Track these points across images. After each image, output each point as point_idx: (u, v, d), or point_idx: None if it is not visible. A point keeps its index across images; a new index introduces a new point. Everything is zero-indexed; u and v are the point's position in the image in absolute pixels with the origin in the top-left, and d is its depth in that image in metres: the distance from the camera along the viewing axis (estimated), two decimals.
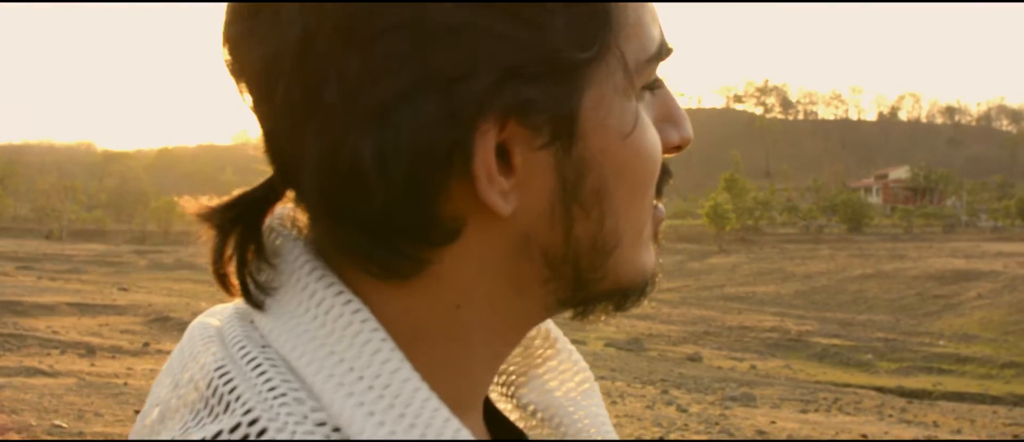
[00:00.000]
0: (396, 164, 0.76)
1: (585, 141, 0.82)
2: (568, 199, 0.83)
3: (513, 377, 1.11)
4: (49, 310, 28.59)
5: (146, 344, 22.57)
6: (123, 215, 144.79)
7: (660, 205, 0.94)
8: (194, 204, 0.90)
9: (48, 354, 19.52)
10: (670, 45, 0.90)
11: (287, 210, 0.92)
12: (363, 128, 0.76)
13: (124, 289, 41.17)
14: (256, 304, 0.88)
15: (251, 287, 0.88)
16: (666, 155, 0.93)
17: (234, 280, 0.89)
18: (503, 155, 0.81)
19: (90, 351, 20.39)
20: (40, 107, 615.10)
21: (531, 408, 1.09)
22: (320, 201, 0.83)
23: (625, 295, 0.92)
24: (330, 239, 0.86)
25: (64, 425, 12.44)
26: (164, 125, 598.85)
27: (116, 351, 21.01)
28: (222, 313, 0.94)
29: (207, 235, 0.90)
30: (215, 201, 0.90)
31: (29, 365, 17.41)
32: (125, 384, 16.16)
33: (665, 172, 0.93)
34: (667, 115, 0.93)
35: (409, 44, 0.75)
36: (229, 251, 0.89)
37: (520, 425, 1.08)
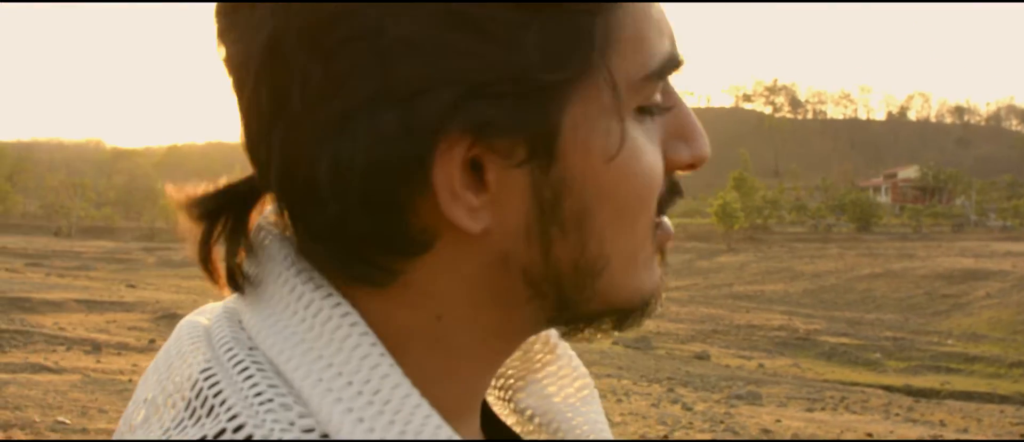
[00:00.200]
0: (351, 176, 0.75)
1: (565, 162, 0.79)
2: (545, 220, 0.80)
3: (511, 381, 1.08)
4: (57, 307, 28.67)
5: (152, 341, 22.62)
6: (132, 212, 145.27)
7: (665, 222, 0.90)
8: (179, 192, 0.88)
9: (54, 351, 19.57)
10: (681, 57, 0.86)
11: (276, 208, 0.90)
12: (322, 138, 0.76)
13: (132, 286, 41.31)
14: (241, 291, 0.87)
15: (237, 276, 0.87)
16: (680, 172, 0.90)
17: (220, 268, 0.89)
18: (478, 170, 0.78)
19: (96, 348, 20.47)
20: (49, 105, 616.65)
21: (528, 413, 1.07)
22: (283, 207, 0.83)
23: (623, 315, 0.89)
24: (301, 244, 0.85)
25: (67, 421, 12.45)
26: (173, 122, 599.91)
27: (122, 348, 21.07)
28: (211, 312, 0.92)
29: (192, 223, 0.88)
30: (201, 189, 0.88)
31: (34, 361, 17.46)
32: (130, 381, 16.18)
33: (674, 190, 0.90)
34: (679, 130, 0.88)
35: (370, 56, 0.74)
36: (215, 239, 0.89)
37: (517, 430, 1.07)
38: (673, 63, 0.84)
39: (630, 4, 0.81)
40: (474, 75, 0.74)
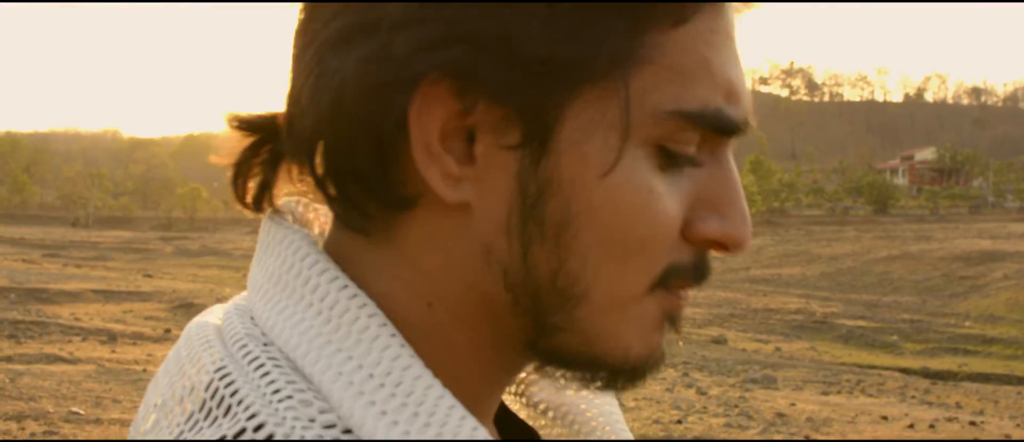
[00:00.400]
0: (327, 89, 0.77)
1: (556, 161, 0.77)
2: (526, 214, 0.78)
3: (523, 374, 1.07)
4: (74, 297, 28.83)
5: (168, 330, 22.67)
6: (149, 202, 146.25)
7: (682, 292, 0.85)
8: (233, 115, 0.90)
9: (69, 341, 19.65)
10: (735, 123, 0.82)
11: (291, 203, 0.93)
12: (322, 56, 0.78)
13: (149, 276, 41.45)
14: (262, 212, 0.90)
15: (264, 200, 0.90)
16: (714, 251, 0.85)
17: (251, 184, 0.90)
18: (471, 142, 0.78)
19: (111, 338, 20.52)
20: (66, 95, 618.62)
21: (542, 407, 1.06)
22: (285, 128, 0.85)
23: (610, 371, 0.84)
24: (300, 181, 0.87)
25: (81, 412, 12.49)
26: (190, 111, 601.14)
27: (137, 337, 21.13)
28: (220, 311, 0.90)
29: (233, 139, 0.90)
30: (262, 113, 0.90)
31: (49, 352, 17.54)
32: (144, 370, 16.24)
33: (698, 270, 0.85)
34: (714, 199, 0.83)
35: None
36: (257, 160, 0.90)
37: (531, 424, 1.06)
38: (719, 120, 0.80)
39: (685, 38, 0.78)
40: (466, 22, 0.74)
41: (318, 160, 0.82)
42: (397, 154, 0.78)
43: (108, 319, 24.32)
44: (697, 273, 0.84)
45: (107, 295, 30.14)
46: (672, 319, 0.86)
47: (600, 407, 1.07)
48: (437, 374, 0.76)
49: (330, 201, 0.84)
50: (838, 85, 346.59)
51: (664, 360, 0.87)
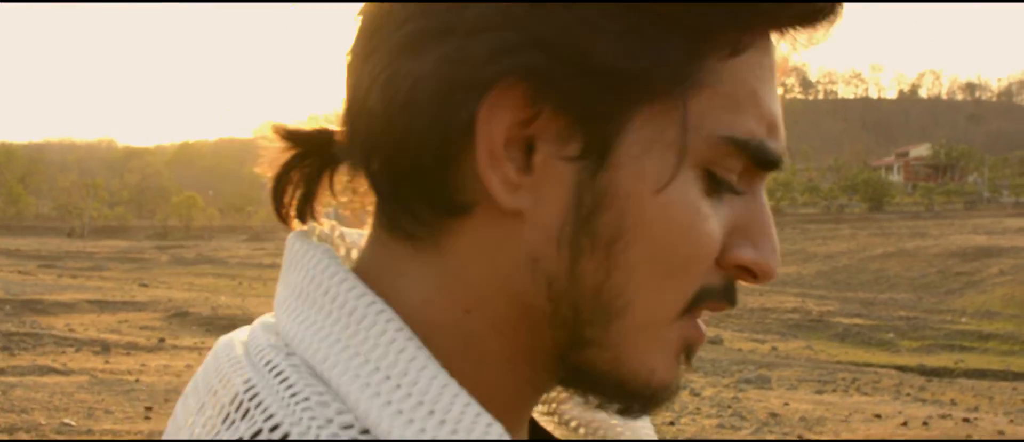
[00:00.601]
0: (399, 89, 0.78)
1: (613, 174, 0.79)
2: (579, 226, 0.79)
3: (554, 392, 1.08)
4: (68, 308, 28.84)
5: (161, 340, 22.68)
6: (144, 211, 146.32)
7: (700, 323, 0.87)
8: (279, 126, 0.93)
9: (63, 352, 19.66)
10: (775, 157, 0.84)
11: (314, 227, 0.95)
12: (392, 58, 0.79)
13: (145, 285, 41.51)
14: (304, 222, 0.94)
15: (305, 212, 0.94)
16: (741, 279, 0.87)
17: (289, 199, 0.94)
18: (529, 152, 0.80)
19: (105, 348, 20.53)
20: (60, 105, 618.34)
21: (573, 424, 1.08)
22: (345, 130, 0.86)
23: (630, 396, 0.85)
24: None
25: (73, 423, 12.51)
26: (184, 120, 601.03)
27: (131, 347, 21.12)
28: (248, 330, 0.91)
29: (275, 150, 0.93)
30: (306, 126, 0.93)
31: (42, 363, 17.54)
32: (137, 381, 16.24)
33: (727, 293, 0.86)
34: (748, 228, 0.85)
35: None
36: (298, 173, 0.94)
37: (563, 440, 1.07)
38: (762, 152, 0.82)
39: (738, 68, 0.81)
40: (542, 29, 0.76)
41: (374, 164, 0.83)
42: (459, 157, 0.79)
43: (103, 329, 24.33)
44: (727, 295, 0.86)
45: (102, 305, 30.13)
46: (689, 352, 0.88)
47: (632, 424, 1.08)
48: (468, 383, 0.77)
49: (383, 203, 0.86)
50: (832, 83, 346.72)
51: (679, 391, 0.88)
